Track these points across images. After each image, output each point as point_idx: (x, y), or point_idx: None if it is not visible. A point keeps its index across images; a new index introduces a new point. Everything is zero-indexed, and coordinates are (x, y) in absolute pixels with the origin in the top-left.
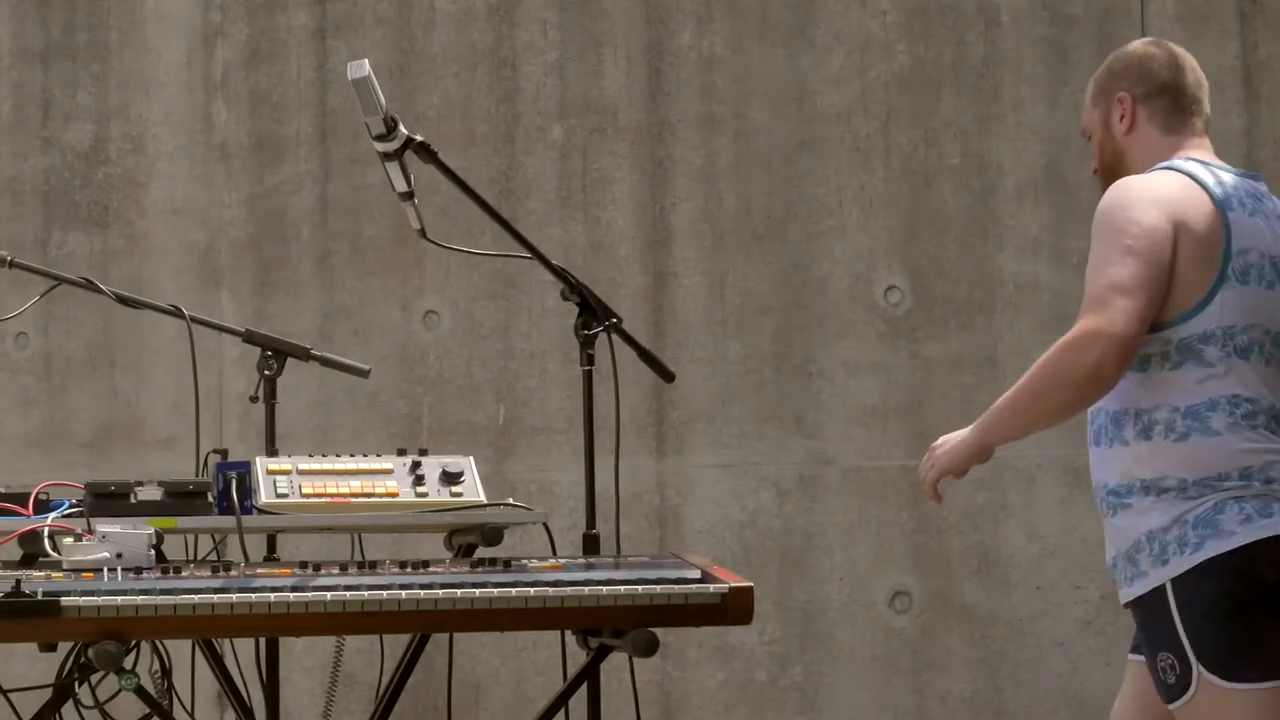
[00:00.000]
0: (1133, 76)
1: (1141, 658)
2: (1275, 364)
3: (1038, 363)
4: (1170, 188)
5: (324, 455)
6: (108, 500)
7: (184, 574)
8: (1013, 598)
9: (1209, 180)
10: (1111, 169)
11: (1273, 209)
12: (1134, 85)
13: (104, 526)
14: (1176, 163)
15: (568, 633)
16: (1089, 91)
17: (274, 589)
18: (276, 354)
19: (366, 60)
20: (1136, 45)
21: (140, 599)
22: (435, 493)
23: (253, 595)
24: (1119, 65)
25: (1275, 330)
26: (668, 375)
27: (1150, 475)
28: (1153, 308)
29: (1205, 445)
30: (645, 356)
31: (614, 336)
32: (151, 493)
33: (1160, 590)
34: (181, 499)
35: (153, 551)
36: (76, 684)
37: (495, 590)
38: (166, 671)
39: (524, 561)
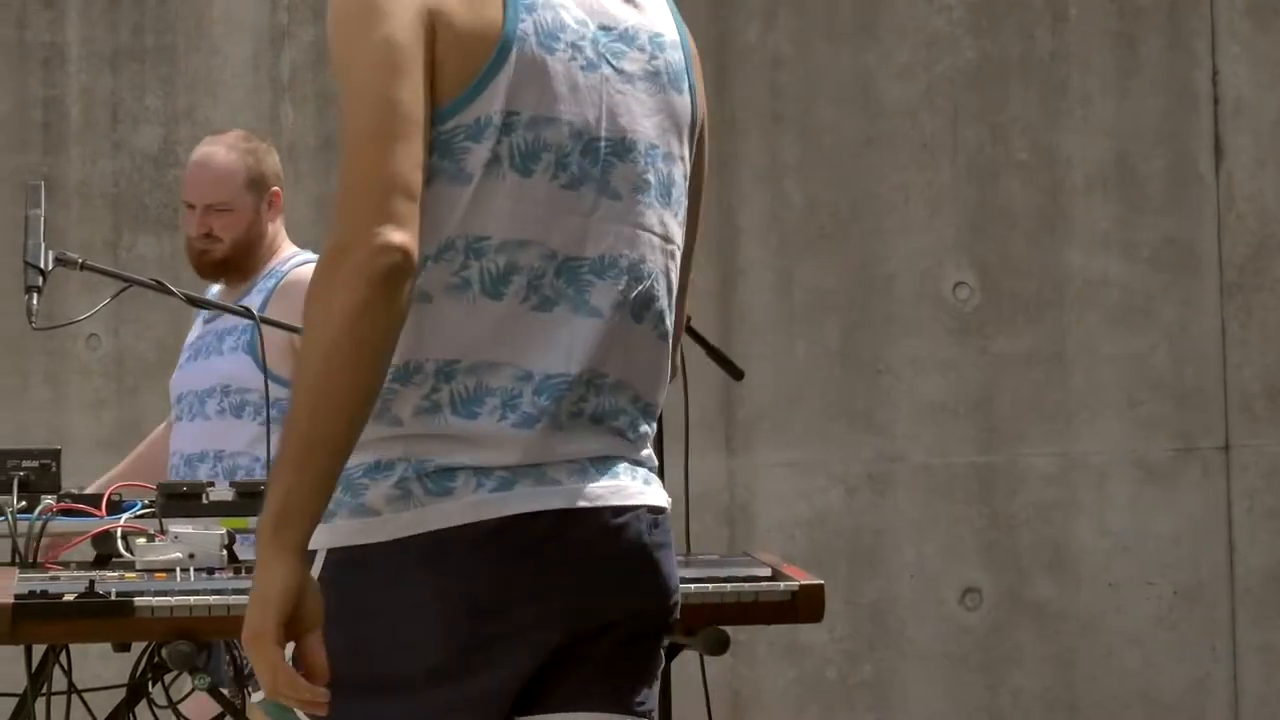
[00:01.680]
0: None
1: None
2: None
3: None
4: None
5: None
6: (180, 501)
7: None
8: (1084, 594)
9: None
10: None
11: None
12: None
13: (176, 527)
14: None
15: None
16: None
17: None
18: None
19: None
20: None
21: (213, 599)
22: None
23: None
24: None
25: None
26: (737, 373)
27: None
28: None
29: None
30: (714, 355)
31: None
32: (223, 493)
33: None
34: (253, 499)
35: (225, 551)
36: (150, 684)
37: None
38: (239, 671)
39: None
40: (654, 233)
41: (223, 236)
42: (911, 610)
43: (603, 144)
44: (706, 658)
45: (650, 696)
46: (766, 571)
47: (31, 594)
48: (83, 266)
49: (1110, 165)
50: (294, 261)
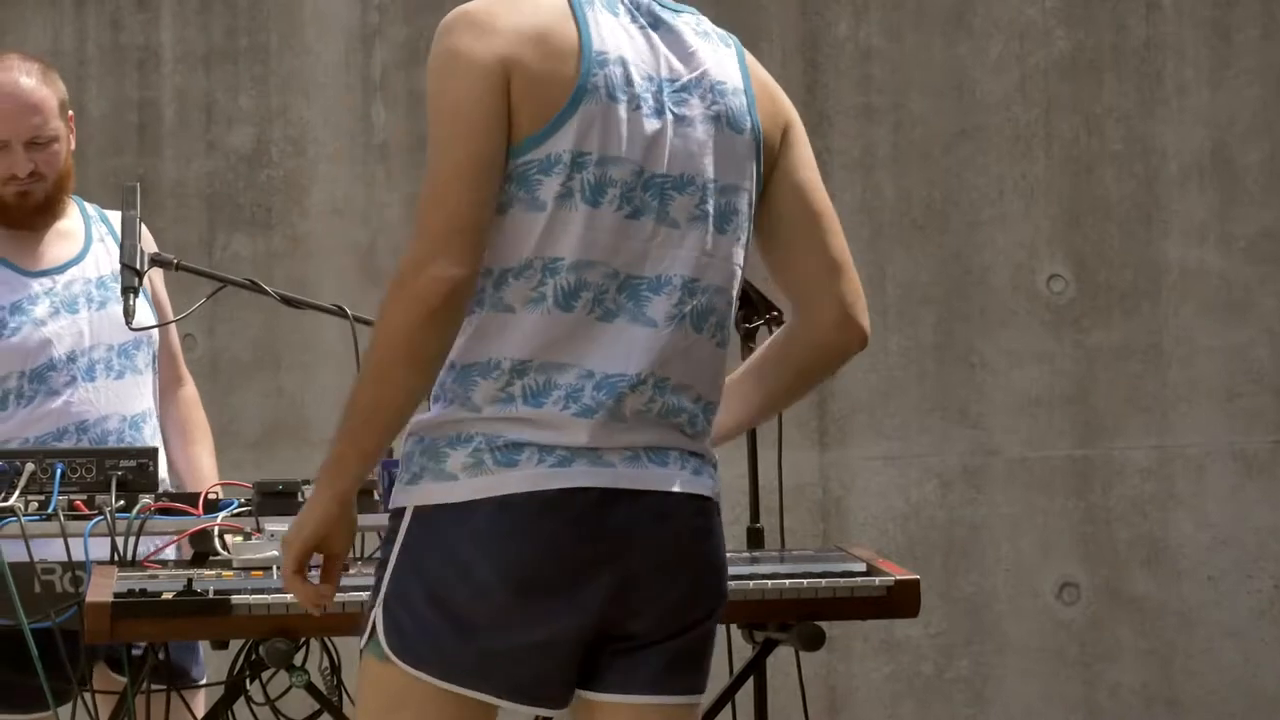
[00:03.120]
0: None
1: None
2: None
3: None
4: None
5: None
6: (275, 499)
7: (351, 571)
8: (1183, 588)
9: None
10: None
11: None
12: None
13: (272, 525)
14: None
15: (733, 627)
16: None
17: None
18: None
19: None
20: None
21: None
22: None
23: None
24: None
25: None
26: None
27: None
28: None
29: None
30: None
31: (775, 330)
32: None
33: None
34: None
35: None
36: (248, 681)
37: None
38: (336, 668)
39: None
40: (710, 256)
41: (46, 173)
42: (1008, 605)
43: (663, 180)
44: (802, 653)
45: (699, 681)
46: (861, 566)
47: (130, 592)
48: (178, 267)
49: (1206, 156)
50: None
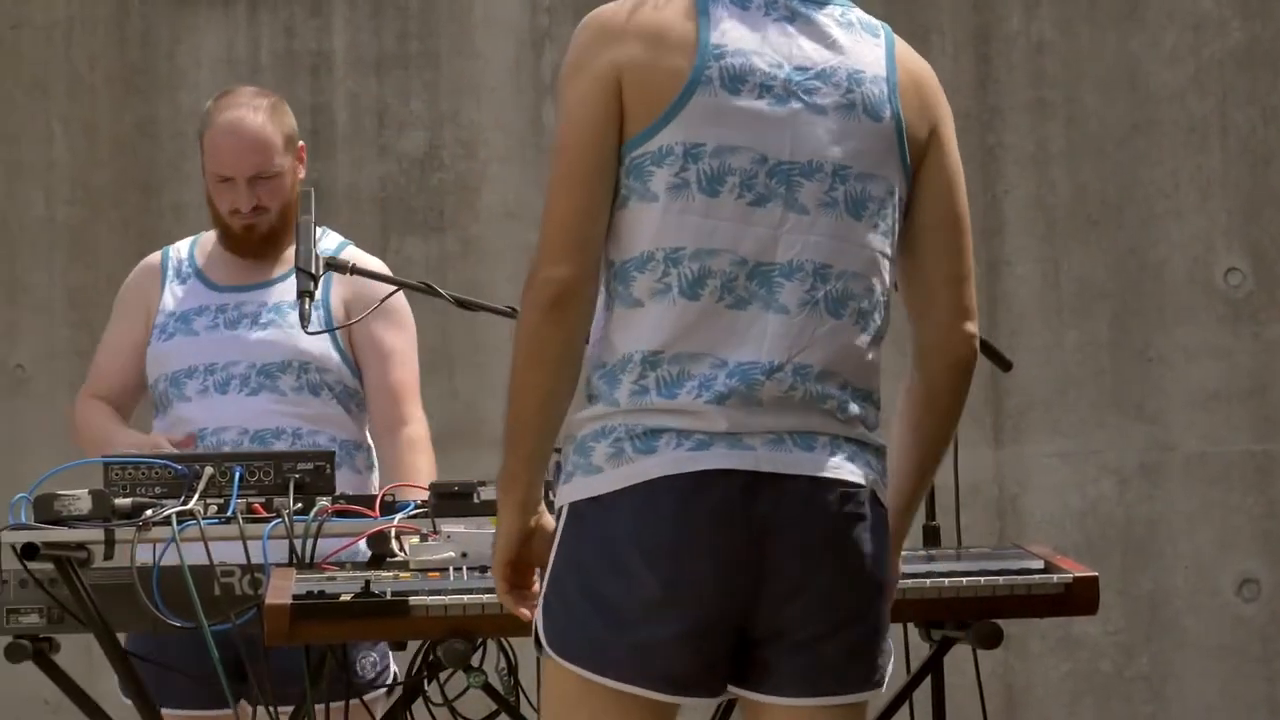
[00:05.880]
0: None
1: None
2: None
3: None
4: None
5: None
6: (451, 500)
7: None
8: None
9: None
10: None
11: None
12: None
13: (448, 526)
14: None
15: (910, 625)
16: None
17: None
18: None
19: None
20: None
21: (486, 597)
22: None
23: None
24: None
25: None
26: (1005, 364)
27: None
28: None
29: None
30: (982, 346)
31: None
32: (494, 492)
33: None
34: None
35: None
36: (425, 681)
37: None
38: (513, 668)
39: None
40: (844, 241)
41: (270, 206)
42: (1187, 602)
43: (789, 167)
44: (980, 651)
45: (863, 680)
46: (1039, 564)
47: (309, 594)
48: (352, 270)
49: None
50: (340, 241)
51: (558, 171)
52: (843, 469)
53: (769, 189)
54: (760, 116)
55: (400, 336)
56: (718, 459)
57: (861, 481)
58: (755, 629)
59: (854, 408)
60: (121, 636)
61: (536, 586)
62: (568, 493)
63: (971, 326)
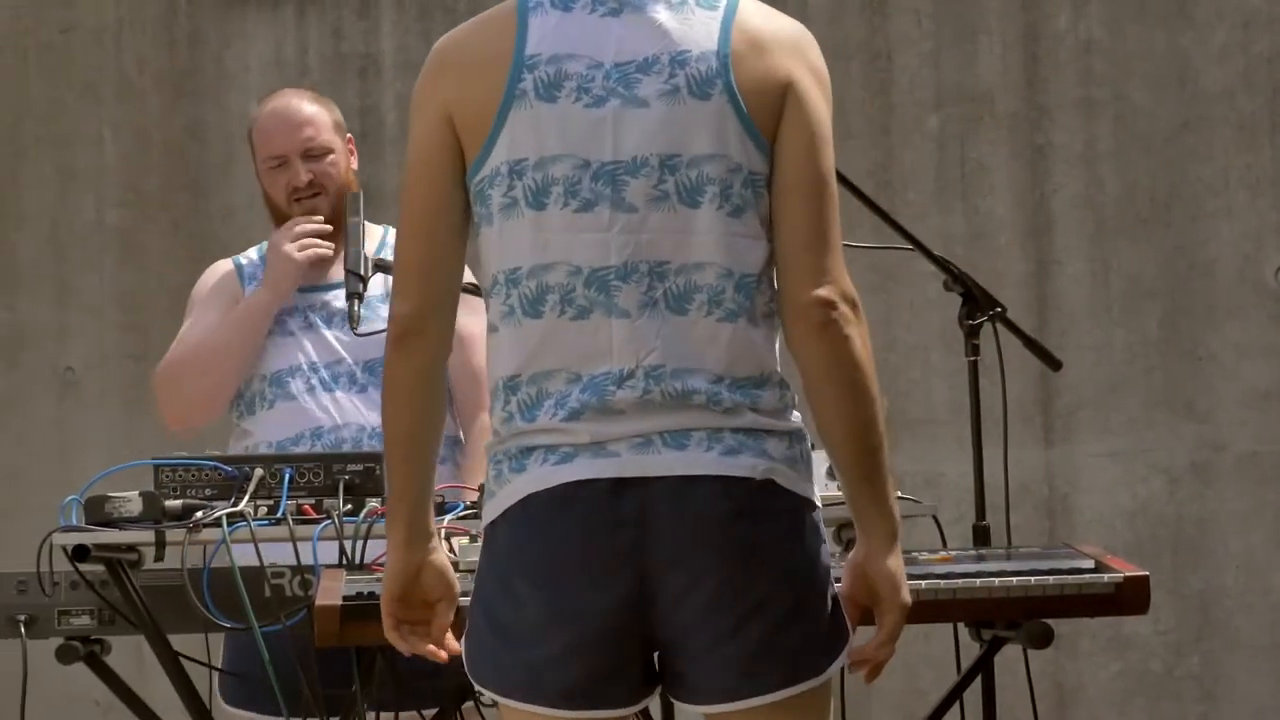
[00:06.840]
0: None
1: None
2: None
3: None
4: None
5: None
6: None
7: None
8: None
9: None
10: None
11: None
12: None
13: None
14: None
15: (960, 625)
16: None
17: None
18: None
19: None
20: None
21: None
22: (823, 487)
23: None
24: None
25: None
26: (1055, 364)
27: None
28: None
29: None
30: (1031, 345)
31: (998, 326)
32: None
33: None
34: None
35: None
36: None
37: None
38: None
39: (914, 554)
40: (683, 233)
41: (325, 185)
42: (1238, 601)
43: (613, 167)
44: (1030, 651)
45: (778, 678)
46: (1089, 563)
47: (359, 595)
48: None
49: None
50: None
51: (402, 212)
52: (719, 464)
53: (595, 193)
54: (578, 120)
55: (477, 322)
56: (581, 469)
57: (745, 473)
58: (659, 637)
59: (733, 397)
60: (216, 650)
61: (440, 622)
62: (482, 521)
63: (826, 291)
